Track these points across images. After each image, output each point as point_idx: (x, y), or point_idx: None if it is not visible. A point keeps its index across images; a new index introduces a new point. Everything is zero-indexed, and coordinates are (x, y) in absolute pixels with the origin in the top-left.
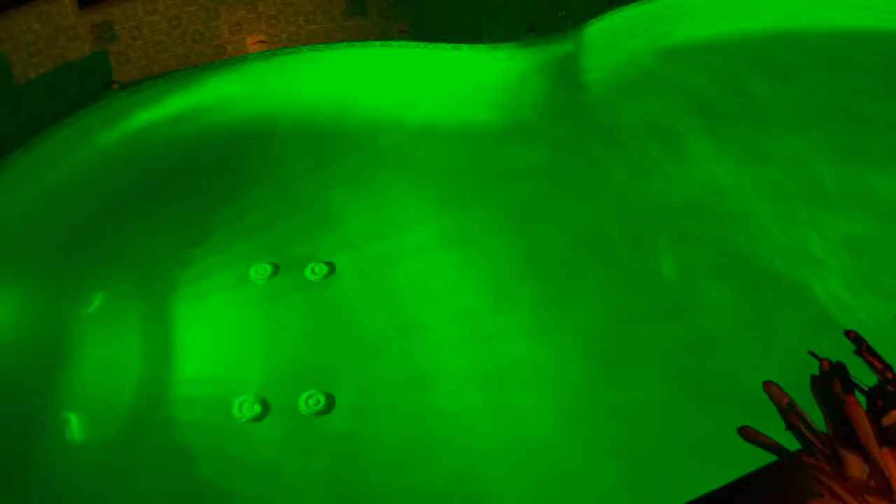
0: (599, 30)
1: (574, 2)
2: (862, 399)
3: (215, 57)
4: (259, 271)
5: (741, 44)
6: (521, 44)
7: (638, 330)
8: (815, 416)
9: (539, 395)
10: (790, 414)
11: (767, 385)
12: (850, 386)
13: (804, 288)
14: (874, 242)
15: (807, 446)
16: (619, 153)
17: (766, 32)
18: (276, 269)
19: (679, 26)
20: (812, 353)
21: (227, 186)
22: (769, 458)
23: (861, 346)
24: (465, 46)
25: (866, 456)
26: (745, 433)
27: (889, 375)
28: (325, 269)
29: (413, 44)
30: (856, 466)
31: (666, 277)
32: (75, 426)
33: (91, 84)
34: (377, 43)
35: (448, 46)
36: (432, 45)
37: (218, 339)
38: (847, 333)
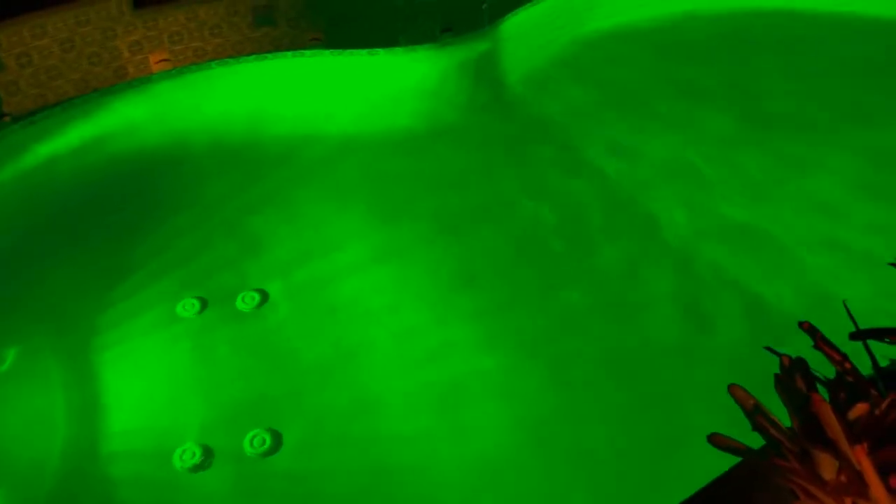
0: (516, 24)
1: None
2: (824, 392)
3: (117, 80)
4: (187, 307)
5: (658, 29)
6: (438, 44)
7: (586, 329)
8: (783, 414)
9: (495, 408)
10: (757, 416)
11: (732, 388)
12: (812, 381)
13: (746, 278)
14: (797, 223)
15: (776, 447)
16: (550, 150)
17: (680, 16)
18: (205, 303)
19: (595, 15)
20: (770, 349)
21: (143, 217)
22: (736, 459)
23: (816, 337)
24: (380, 51)
25: (836, 452)
26: (716, 441)
27: (847, 366)
28: (258, 297)
29: (326, 52)
30: (827, 465)
31: (607, 275)
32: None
33: None
34: (289, 53)
35: (363, 52)
36: (346, 51)
37: (149, 384)
38: (801, 325)
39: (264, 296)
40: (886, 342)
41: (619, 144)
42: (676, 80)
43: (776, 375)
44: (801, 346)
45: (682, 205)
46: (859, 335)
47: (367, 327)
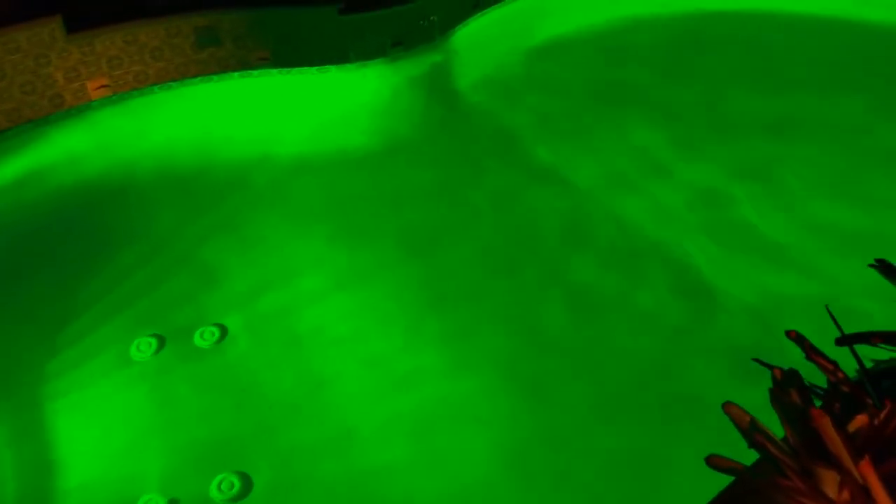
0: (467, 36)
1: (439, 10)
2: (817, 402)
3: (53, 109)
4: (142, 347)
5: (607, 34)
6: (389, 59)
7: (560, 347)
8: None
9: (471, 434)
10: (755, 433)
11: (727, 406)
12: (807, 394)
13: (721, 283)
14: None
15: (775, 464)
16: (507, 161)
17: (626, 20)
18: (162, 342)
19: (545, 23)
20: (759, 361)
21: (90, 254)
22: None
23: (804, 346)
24: (331, 68)
25: (839, 467)
26: (714, 462)
27: (840, 375)
28: (217, 332)
29: (275, 71)
30: (829, 481)
31: (578, 288)
32: None
33: None
34: (236, 74)
35: (313, 70)
36: (295, 70)
37: (106, 432)
38: (788, 334)
39: (224, 330)
40: (880, 347)
41: (579, 152)
42: (627, 85)
43: (770, 390)
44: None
45: (647, 211)
46: (846, 340)
47: (334, 357)
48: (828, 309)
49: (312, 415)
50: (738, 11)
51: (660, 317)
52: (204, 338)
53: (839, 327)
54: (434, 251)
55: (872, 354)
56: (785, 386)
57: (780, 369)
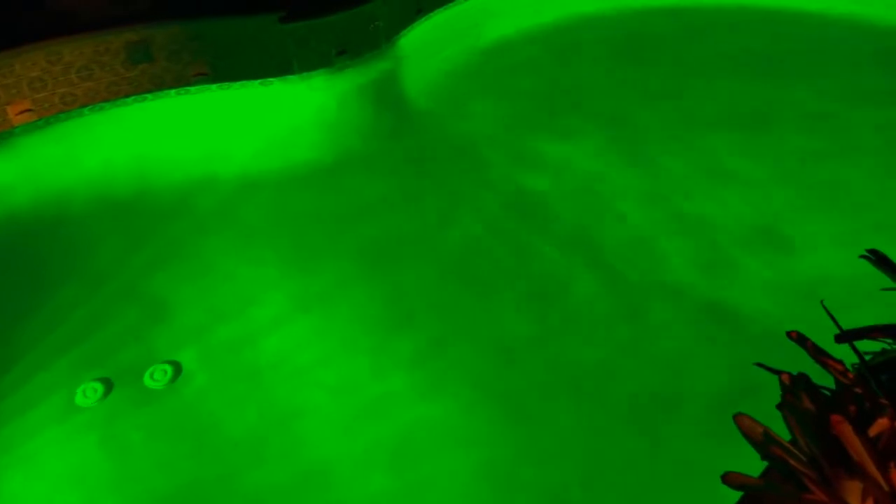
0: (413, 40)
1: (382, 16)
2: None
3: None
4: (87, 393)
5: (554, 32)
6: (335, 68)
7: (532, 358)
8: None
9: (453, 457)
10: (769, 445)
11: (738, 418)
12: (820, 398)
13: (688, 284)
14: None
15: (788, 476)
16: (462, 168)
17: (573, 18)
18: (109, 385)
19: (492, 24)
20: (763, 366)
21: (24, 293)
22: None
23: (807, 347)
24: (274, 81)
25: (861, 475)
26: (731, 480)
27: (850, 376)
28: (169, 371)
29: (214, 86)
30: (854, 491)
31: (549, 296)
32: None
33: None
34: (172, 92)
35: (255, 83)
36: (236, 84)
37: (54, 490)
38: (789, 335)
39: (177, 367)
40: (880, 341)
41: (536, 156)
42: (578, 84)
43: (782, 398)
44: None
45: (611, 213)
46: (846, 336)
47: (299, 387)
48: (823, 305)
49: (281, 451)
50: (684, 7)
51: (636, 320)
52: (155, 378)
53: (837, 324)
54: (395, 267)
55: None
56: (795, 390)
57: (788, 374)
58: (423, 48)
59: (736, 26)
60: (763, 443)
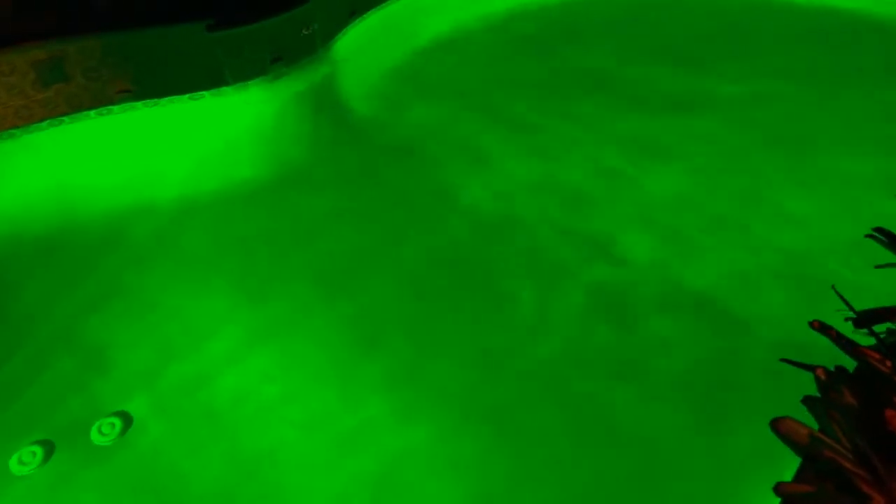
0: (349, 43)
1: (316, 19)
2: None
3: None
4: (24, 458)
5: (487, 27)
6: (271, 77)
7: (511, 370)
8: None
9: (440, 482)
10: (816, 446)
11: (778, 422)
12: (863, 392)
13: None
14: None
15: (834, 475)
16: (413, 174)
17: (505, 11)
18: (50, 447)
19: (426, 22)
20: (789, 361)
21: None
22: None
23: (832, 336)
24: (205, 94)
25: None
26: (783, 490)
27: (889, 364)
28: (118, 423)
29: (139, 104)
30: None
31: (513, 301)
32: None
33: None
34: (92, 113)
35: (184, 98)
36: (164, 100)
37: None
38: (811, 324)
39: (126, 418)
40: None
41: (484, 156)
42: (518, 77)
43: (809, 396)
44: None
45: (570, 206)
46: (864, 320)
47: (266, 426)
48: (835, 289)
49: (252, 500)
50: None
51: (616, 320)
52: (103, 432)
53: (850, 307)
54: (356, 286)
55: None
56: (835, 386)
57: (823, 368)
58: (359, 51)
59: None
60: (809, 444)
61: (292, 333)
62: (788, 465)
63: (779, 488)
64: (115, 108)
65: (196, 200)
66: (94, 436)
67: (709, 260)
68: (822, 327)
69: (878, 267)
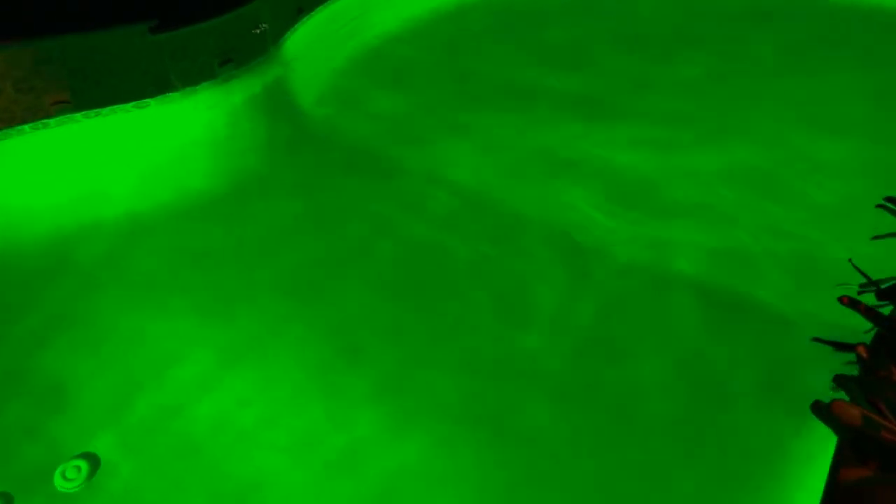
0: (298, 42)
1: (267, 17)
2: None
3: None
4: None
5: (437, 19)
6: (220, 80)
7: (500, 372)
8: None
9: (439, 496)
10: (870, 427)
11: (830, 404)
12: None
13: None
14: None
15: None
16: (374, 174)
17: (454, 5)
18: (8, 500)
19: (377, 16)
20: (821, 340)
21: None
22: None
23: (861, 310)
24: (150, 101)
25: None
26: (848, 476)
27: None
28: (84, 466)
29: (79, 115)
30: None
31: (494, 296)
32: None
33: None
34: (26, 127)
35: (128, 107)
36: (105, 110)
37: None
38: (840, 300)
39: (93, 460)
40: None
41: (442, 150)
42: (472, 69)
43: (841, 375)
44: None
45: (534, 201)
46: (889, 294)
47: (249, 454)
48: (852, 262)
49: None
50: None
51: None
52: (68, 477)
53: (870, 280)
54: (329, 296)
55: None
56: (881, 365)
57: (865, 345)
58: (310, 49)
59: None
60: (861, 426)
61: (267, 352)
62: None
63: (844, 472)
64: (52, 121)
65: (147, 217)
66: (58, 482)
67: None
68: (851, 302)
69: (875, 238)
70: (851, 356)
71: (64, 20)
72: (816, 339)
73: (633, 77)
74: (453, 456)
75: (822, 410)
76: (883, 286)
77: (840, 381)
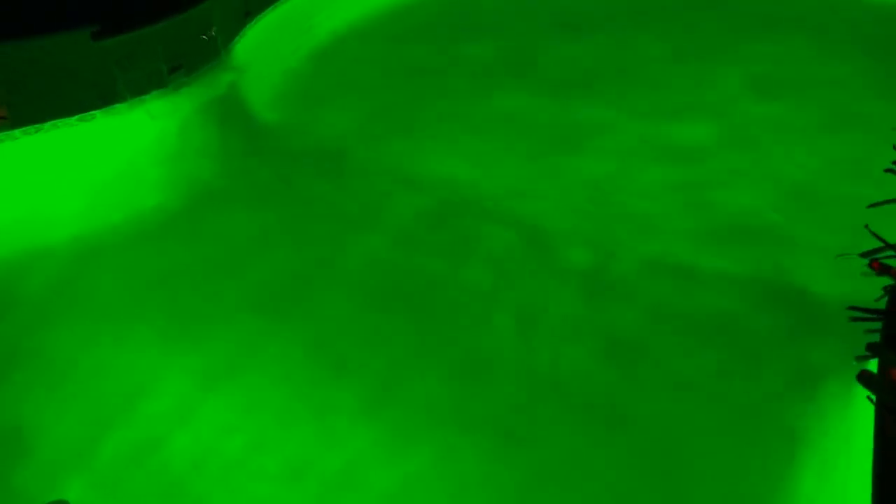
0: (248, 46)
1: (215, 21)
2: None
3: None
4: None
5: (386, 18)
6: (171, 88)
7: (498, 374)
8: None
9: None
10: None
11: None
12: None
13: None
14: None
15: None
16: (336, 179)
17: (399, 2)
18: None
19: (320, 19)
20: (857, 308)
21: None
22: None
23: (893, 275)
24: (96, 113)
25: None
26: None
27: None
28: None
29: (17, 132)
30: None
31: (481, 297)
32: None
33: None
34: None
35: (71, 121)
36: (46, 125)
37: None
38: (871, 265)
39: None
40: None
41: (404, 149)
42: (422, 66)
43: (874, 343)
44: None
45: (505, 197)
46: None
47: (237, 484)
48: (868, 228)
49: None
50: None
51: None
52: None
53: (888, 244)
54: (305, 308)
55: None
56: None
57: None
58: (259, 53)
59: None
60: None
61: (245, 373)
62: None
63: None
64: None
65: (100, 239)
66: None
67: None
68: (882, 268)
69: (870, 206)
70: (869, 325)
71: None
72: (852, 308)
73: (584, 66)
74: (456, 465)
75: (870, 379)
76: None
77: (874, 348)
